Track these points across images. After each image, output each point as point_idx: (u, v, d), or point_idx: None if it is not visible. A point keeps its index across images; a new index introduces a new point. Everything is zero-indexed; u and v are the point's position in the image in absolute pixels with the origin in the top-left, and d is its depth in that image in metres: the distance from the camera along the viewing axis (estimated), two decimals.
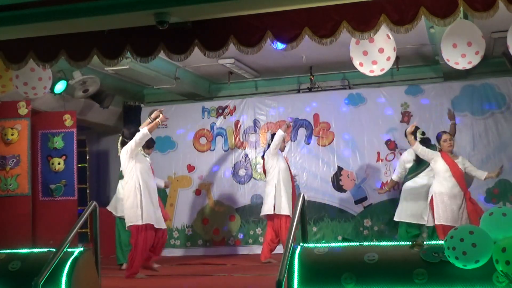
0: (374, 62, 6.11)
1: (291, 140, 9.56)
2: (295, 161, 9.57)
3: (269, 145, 8.19)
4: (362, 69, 6.28)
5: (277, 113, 9.75)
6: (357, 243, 4.14)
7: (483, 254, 3.57)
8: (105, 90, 9.40)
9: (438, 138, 7.33)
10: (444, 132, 7.45)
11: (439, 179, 7.15)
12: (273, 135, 8.18)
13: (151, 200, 6.83)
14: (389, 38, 6.01)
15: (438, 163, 7.17)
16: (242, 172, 9.78)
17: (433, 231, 7.35)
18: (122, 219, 7.53)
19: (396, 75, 8.90)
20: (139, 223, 6.69)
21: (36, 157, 8.77)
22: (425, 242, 3.91)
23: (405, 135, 7.47)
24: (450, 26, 5.60)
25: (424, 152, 7.26)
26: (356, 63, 6.24)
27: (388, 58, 6.11)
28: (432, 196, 7.16)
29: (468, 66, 6.24)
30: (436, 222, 7.06)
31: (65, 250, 4.55)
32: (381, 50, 6.03)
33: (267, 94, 10.26)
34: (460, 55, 6.08)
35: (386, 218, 8.91)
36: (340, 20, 5.32)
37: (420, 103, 9.19)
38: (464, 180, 7.18)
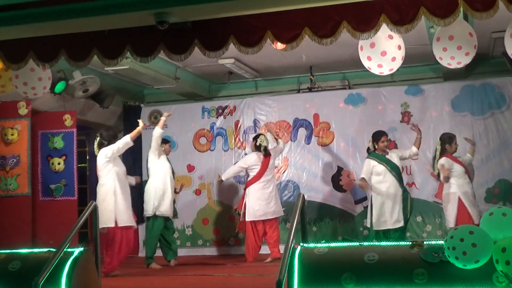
0: (380, 66, 6.15)
1: (291, 140, 9.55)
2: (295, 161, 9.58)
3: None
4: (372, 71, 6.35)
5: (277, 113, 9.75)
6: (357, 243, 4.14)
7: (483, 254, 3.57)
8: (105, 90, 9.39)
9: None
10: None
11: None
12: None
13: (127, 202, 7.29)
14: (391, 38, 5.98)
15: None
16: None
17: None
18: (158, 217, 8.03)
19: (396, 75, 8.86)
20: (113, 225, 7.10)
21: (36, 157, 8.76)
22: (425, 242, 3.91)
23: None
24: None
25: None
26: (366, 67, 6.29)
27: (393, 59, 6.10)
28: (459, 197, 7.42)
29: (453, 62, 6.12)
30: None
31: (65, 250, 4.55)
32: (383, 54, 6.05)
33: (267, 94, 10.26)
34: (441, 49, 6.05)
35: None
36: (340, 20, 5.32)
37: (420, 103, 9.18)
38: None
